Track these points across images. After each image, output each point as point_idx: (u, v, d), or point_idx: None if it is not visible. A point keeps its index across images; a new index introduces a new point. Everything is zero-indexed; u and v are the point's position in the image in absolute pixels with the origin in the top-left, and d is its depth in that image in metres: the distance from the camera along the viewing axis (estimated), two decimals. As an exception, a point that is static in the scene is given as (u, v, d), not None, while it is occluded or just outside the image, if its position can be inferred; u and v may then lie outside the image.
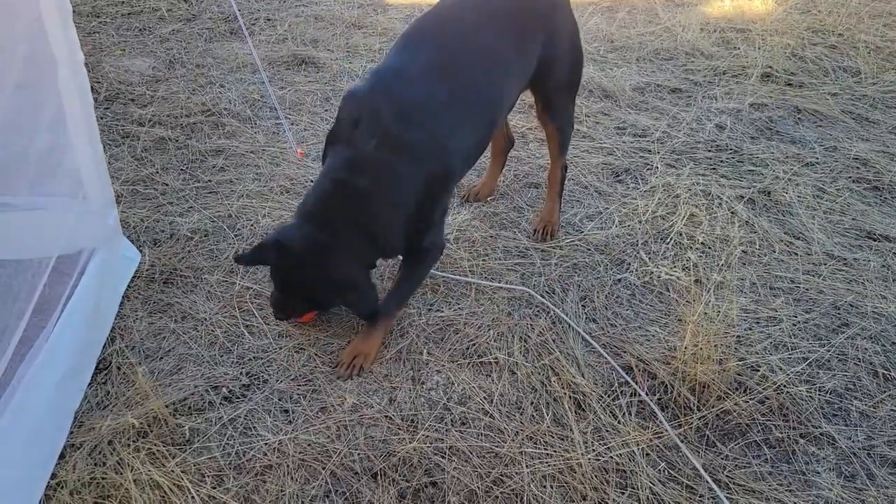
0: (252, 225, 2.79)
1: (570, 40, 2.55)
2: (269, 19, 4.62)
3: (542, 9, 2.45)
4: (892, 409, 2.07)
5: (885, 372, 2.19)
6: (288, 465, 1.89)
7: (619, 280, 2.56)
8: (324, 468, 1.89)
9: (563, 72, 2.54)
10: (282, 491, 1.83)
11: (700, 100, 3.80)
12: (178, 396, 2.06)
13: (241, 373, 2.17)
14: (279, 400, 2.09)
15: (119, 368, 2.15)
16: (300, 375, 2.17)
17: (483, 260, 2.65)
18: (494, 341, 2.29)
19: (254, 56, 3.86)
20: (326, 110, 3.64)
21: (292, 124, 3.51)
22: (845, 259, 2.65)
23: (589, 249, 2.70)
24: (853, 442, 1.98)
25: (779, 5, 4.71)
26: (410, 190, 2.14)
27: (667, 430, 1.98)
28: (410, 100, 2.13)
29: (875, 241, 2.76)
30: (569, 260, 2.65)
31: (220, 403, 2.07)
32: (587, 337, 2.29)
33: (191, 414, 2.02)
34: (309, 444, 1.95)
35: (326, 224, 2.13)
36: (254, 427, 2.00)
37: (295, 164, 3.19)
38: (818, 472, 1.90)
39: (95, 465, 1.85)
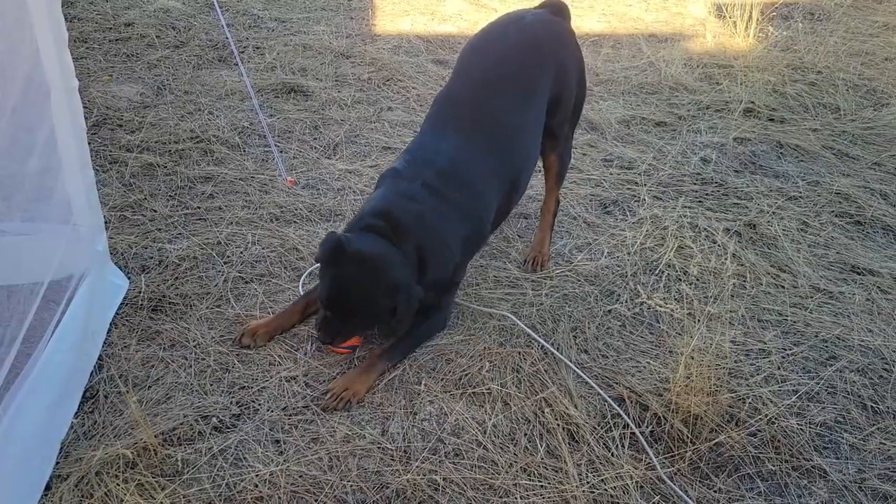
0: (242, 252, 2.77)
1: (577, 75, 2.61)
2: (257, 47, 4.64)
3: (553, 50, 2.50)
4: (881, 442, 2.09)
5: (874, 405, 2.21)
6: (279, 498, 1.86)
7: (610, 311, 2.57)
8: (316, 500, 1.86)
9: (569, 106, 2.59)
10: (273, 524, 1.80)
11: (685, 133, 3.86)
12: (167, 426, 2.02)
13: (231, 402, 2.14)
14: (270, 430, 2.06)
15: (106, 397, 2.11)
16: (291, 405, 2.15)
17: (474, 289, 2.65)
18: (487, 371, 2.28)
19: (245, 82, 3.87)
20: (315, 138, 3.65)
21: (281, 152, 3.51)
22: (831, 292, 2.69)
23: (579, 280, 2.72)
24: (844, 475, 1.99)
25: (759, 42, 4.82)
26: (456, 238, 2.28)
27: (656, 467, 1.98)
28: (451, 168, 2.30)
29: (859, 274, 2.81)
30: (559, 290, 2.66)
31: (211, 433, 2.03)
32: (576, 369, 2.30)
33: (181, 444, 1.99)
34: (301, 476, 1.93)
35: (387, 235, 2.20)
36: (244, 458, 1.97)
37: (284, 191, 3.18)
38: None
39: (83, 496, 1.81)
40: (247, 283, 2.64)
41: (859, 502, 1.92)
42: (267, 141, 3.52)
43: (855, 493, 1.94)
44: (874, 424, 2.15)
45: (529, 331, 2.43)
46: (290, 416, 2.12)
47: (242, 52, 4.55)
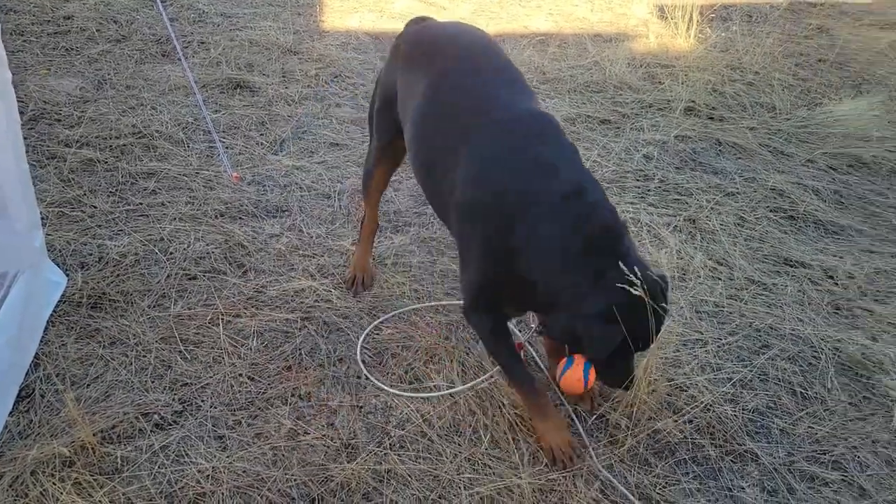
0: (185, 248, 2.74)
1: None
2: (202, 42, 4.57)
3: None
4: (809, 426, 2.18)
5: (803, 391, 2.30)
6: (222, 493, 1.85)
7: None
8: (259, 495, 1.86)
9: None
10: (216, 519, 1.79)
11: (628, 131, 3.94)
12: (106, 424, 1.99)
13: (173, 399, 2.11)
14: (213, 426, 2.05)
15: (43, 396, 2.07)
16: (235, 401, 2.13)
17: (420, 284, 2.67)
18: (433, 364, 2.30)
19: (188, 78, 3.81)
20: (262, 134, 3.62)
21: (227, 148, 3.47)
22: (765, 284, 2.79)
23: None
24: (774, 458, 2.07)
25: (700, 43, 4.95)
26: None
27: (591, 458, 2.02)
28: None
29: (792, 266, 2.91)
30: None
31: (152, 431, 2.01)
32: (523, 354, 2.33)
33: (120, 442, 1.96)
34: (244, 471, 1.92)
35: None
36: (186, 454, 1.95)
37: (230, 187, 3.15)
38: (743, 488, 1.98)
39: (17, 496, 1.77)
40: (191, 279, 2.61)
41: (788, 484, 2.00)
42: (212, 137, 3.48)
43: (784, 474, 2.02)
44: (803, 409, 2.23)
45: (515, 330, 2.45)
46: (234, 411, 2.10)
47: (187, 48, 4.47)
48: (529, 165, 1.91)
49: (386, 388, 2.20)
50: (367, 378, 2.24)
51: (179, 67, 4.10)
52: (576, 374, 2.00)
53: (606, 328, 1.81)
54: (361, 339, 2.38)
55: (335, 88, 4.19)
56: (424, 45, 2.27)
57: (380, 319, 2.48)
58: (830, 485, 2.00)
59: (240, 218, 2.98)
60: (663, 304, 1.88)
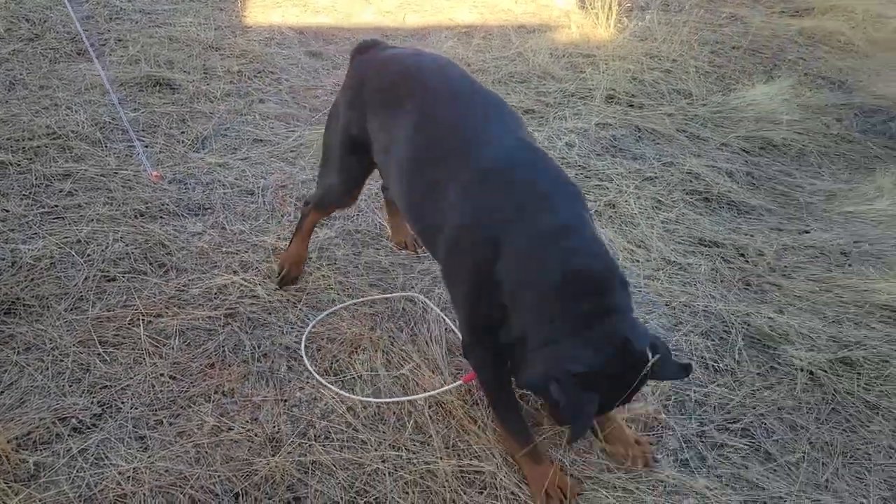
0: (103, 250, 2.69)
1: None
2: (119, 40, 4.46)
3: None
4: (720, 397, 2.28)
5: (714, 364, 2.40)
6: (144, 494, 1.84)
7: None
8: (182, 493, 1.85)
9: None
10: (137, 520, 1.77)
11: (552, 120, 4.02)
12: (21, 431, 1.96)
13: (91, 402, 2.08)
14: (134, 427, 2.03)
15: (-47, 406, 2.01)
16: (157, 401, 2.11)
17: (346, 277, 2.68)
18: (358, 355, 2.32)
19: (101, 75, 3.72)
20: (183, 132, 3.57)
21: (146, 147, 3.41)
22: (680, 264, 2.89)
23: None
24: (687, 429, 2.16)
25: (619, 33, 5.06)
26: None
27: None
28: None
29: (706, 246, 3.03)
30: (429, 273, 2.73)
31: (69, 435, 1.98)
32: (449, 320, 2.38)
33: (36, 448, 1.93)
34: (166, 471, 1.91)
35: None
36: (106, 457, 1.93)
37: (150, 187, 3.10)
38: (657, 460, 2.06)
39: (-74, 509, 1.72)
40: (109, 280, 2.57)
41: (699, 452, 2.09)
42: (130, 136, 3.41)
43: (696, 444, 2.11)
44: (714, 381, 2.34)
45: (439, 310, 2.51)
46: (156, 411, 2.09)
47: (104, 45, 4.36)
48: (516, 200, 1.82)
49: (333, 388, 2.21)
50: (320, 382, 2.22)
51: (95, 66, 4.00)
52: None
53: (581, 395, 1.61)
54: (305, 335, 2.39)
55: (258, 84, 4.15)
56: (397, 83, 2.14)
57: (324, 313, 2.49)
58: (739, 451, 2.10)
59: (160, 217, 2.93)
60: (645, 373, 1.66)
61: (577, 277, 1.70)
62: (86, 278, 2.54)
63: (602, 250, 1.78)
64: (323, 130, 2.43)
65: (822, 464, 2.06)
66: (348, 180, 2.39)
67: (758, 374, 2.37)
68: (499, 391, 1.99)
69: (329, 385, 2.20)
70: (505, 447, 2.03)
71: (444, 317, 2.50)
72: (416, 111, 2.03)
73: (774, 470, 2.04)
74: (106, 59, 4.15)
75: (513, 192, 1.84)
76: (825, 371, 2.35)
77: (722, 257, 2.96)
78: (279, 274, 2.60)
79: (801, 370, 2.36)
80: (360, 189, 2.45)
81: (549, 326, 1.70)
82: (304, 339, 2.36)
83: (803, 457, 2.08)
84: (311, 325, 2.42)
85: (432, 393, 2.17)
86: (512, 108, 2.13)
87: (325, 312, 2.49)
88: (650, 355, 1.65)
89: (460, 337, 2.07)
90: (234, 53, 4.45)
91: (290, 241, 2.64)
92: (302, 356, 2.31)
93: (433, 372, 2.28)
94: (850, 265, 2.94)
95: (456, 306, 2.00)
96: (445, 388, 2.18)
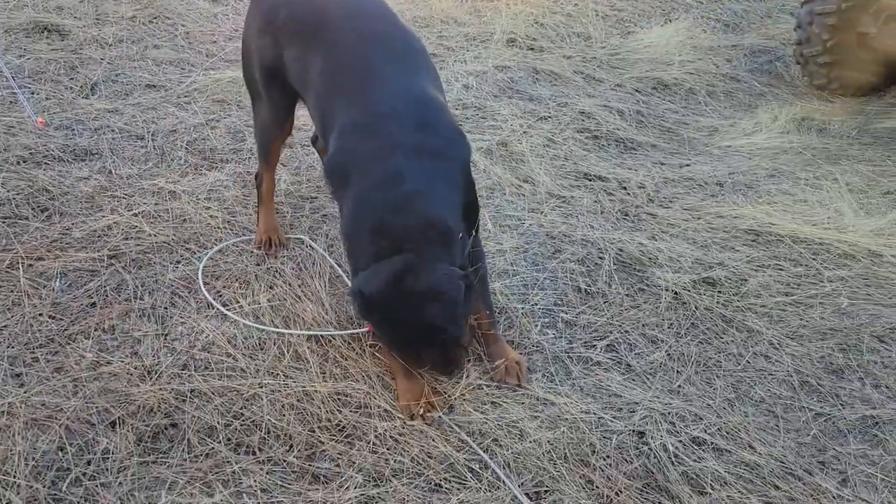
0: (-18, 196, 2.64)
1: None
2: (6, -15, 4.28)
3: None
4: (589, 318, 2.41)
5: (587, 287, 2.54)
6: (18, 426, 1.86)
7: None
8: (58, 424, 1.89)
9: None
10: (10, 451, 1.80)
11: (452, 63, 4.06)
12: None
13: (-35, 343, 2.08)
14: (10, 365, 2.04)
15: None
16: (34, 339, 2.13)
17: (233, 216, 2.70)
18: (241, 289, 2.37)
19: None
20: (72, 79, 3.49)
21: (32, 94, 3.32)
22: (564, 197, 3.01)
23: (338, 201, 2.85)
24: (556, 347, 2.29)
25: (525, -23, 5.11)
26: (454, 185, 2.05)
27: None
28: None
29: (590, 180, 3.15)
30: (319, 211, 2.78)
31: (-59, 375, 1.98)
32: (335, 266, 2.44)
33: None
34: (42, 404, 1.94)
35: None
36: (-21, 394, 1.94)
37: (34, 133, 3.04)
38: (531, 371, 2.18)
39: None
40: (-12, 226, 2.54)
41: (566, 367, 2.22)
42: (10, 82, 3.32)
43: (564, 360, 2.25)
44: (585, 303, 2.47)
45: (321, 248, 2.56)
46: (33, 350, 2.10)
47: (-13, -10, 4.18)
48: (376, 144, 1.95)
49: (233, 315, 2.26)
50: (221, 310, 2.28)
51: (-23, 11, 3.85)
52: None
53: (359, 307, 1.92)
54: (201, 266, 2.43)
55: (153, 30, 4.06)
56: (310, 14, 2.22)
57: (218, 246, 2.54)
58: (602, 364, 2.24)
59: (45, 163, 2.89)
60: (436, 315, 1.87)
61: (388, 230, 1.88)
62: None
63: (435, 202, 1.92)
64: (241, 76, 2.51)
65: (677, 372, 2.23)
66: (277, 109, 2.42)
67: (626, 295, 2.51)
68: None
69: (228, 312, 2.25)
70: (385, 361, 2.14)
71: (326, 255, 2.56)
72: (325, 48, 2.11)
73: (633, 379, 2.19)
74: (-11, 5, 3.99)
75: (376, 139, 1.96)
76: (688, 290, 2.52)
77: (605, 190, 3.09)
78: (267, 244, 2.58)
79: (667, 290, 2.51)
80: (290, 119, 2.49)
81: (360, 255, 1.93)
82: (200, 270, 2.40)
83: (660, 366, 2.23)
84: (204, 259, 2.46)
85: (355, 332, 2.24)
86: (422, 51, 2.21)
87: (217, 248, 2.53)
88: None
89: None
90: (128, -1, 4.33)
91: (257, 215, 2.63)
92: (200, 287, 2.34)
93: (315, 304, 2.34)
94: (723, 195, 3.11)
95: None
96: (358, 330, 2.24)
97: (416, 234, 1.87)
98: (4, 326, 2.16)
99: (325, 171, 2.10)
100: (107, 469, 1.80)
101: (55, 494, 1.74)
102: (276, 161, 2.63)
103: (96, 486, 1.77)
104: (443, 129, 2.05)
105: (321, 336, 2.22)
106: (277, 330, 2.23)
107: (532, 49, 4.32)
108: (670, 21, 4.82)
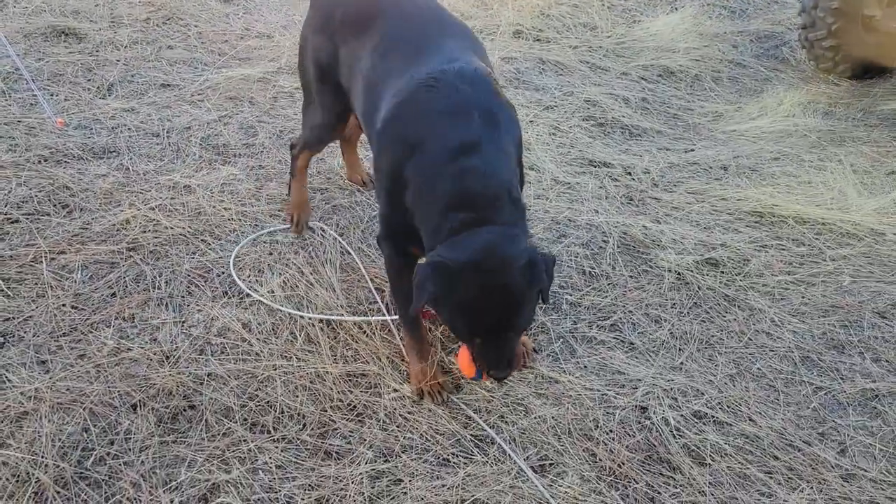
0: (6, 194, 2.74)
1: None
2: (23, -9, 4.40)
3: None
4: (593, 299, 2.47)
5: (591, 270, 2.59)
6: (44, 410, 1.96)
7: (375, 217, 2.80)
8: (82, 408, 1.98)
9: None
10: (38, 433, 1.90)
11: (459, 56, 4.11)
12: (-78, 360, 2.05)
13: (-7, 333, 2.18)
14: (36, 353, 2.13)
15: None
16: (58, 329, 2.22)
17: (247, 208, 2.78)
18: (254, 277, 2.45)
19: None
20: (89, 80, 3.58)
21: (52, 95, 3.42)
22: (569, 183, 3.07)
23: (346, 190, 2.92)
24: (561, 328, 2.35)
25: (531, -30, 5.16)
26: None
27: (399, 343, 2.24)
28: None
29: (595, 167, 3.20)
30: (330, 202, 2.86)
31: (-29, 362, 2.08)
32: (349, 248, 2.51)
33: (-63, 374, 2.02)
34: (67, 389, 2.03)
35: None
36: (7, 380, 2.03)
37: (54, 133, 3.14)
38: (537, 351, 2.24)
39: None
40: (12, 223, 2.63)
41: (570, 346, 2.28)
42: (30, 85, 3.42)
43: (568, 339, 2.31)
44: (589, 285, 2.53)
45: (333, 232, 2.63)
46: (57, 338, 2.19)
47: (6, -3, 4.30)
48: (437, 116, 1.89)
49: (266, 301, 2.34)
50: (255, 297, 2.36)
51: (-3, 17, 3.97)
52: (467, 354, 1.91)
53: (422, 278, 1.77)
54: (233, 255, 2.52)
55: (167, 31, 4.15)
56: (364, 11, 2.24)
57: (250, 237, 2.62)
58: (605, 343, 2.30)
59: (65, 161, 2.98)
60: (521, 284, 1.75)
61: (463, 196, 1.80)
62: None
63: (495, 170, 1.84)
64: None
65: (679, 350, 2.28)
66: (330, 115, 2.45)
67: (630, 276, 2.57)
68: (399, 285, 2.07)
69: (261, 298, 2.33)
70: (399, 344, 2.20)
71: (340, 240, 2.63)
72: (379, 33, 2.14)
73: (636, 357, 2.25)
74: (9, 11, 4.10)
75: (448, 95, 1.89)
76: (691, 271, 2.56)
77: (610, 176, 3.14)
78: (292, 222, 2.68)
79: (670, 271, 2.56)
80: (344, 124, 2.53)
81: (434, 236, 1.84)
82: (231, 259, 2.49)
83: (662, 344, 2.29)
84: (238, 247, 2.56)
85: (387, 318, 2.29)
86: (475, 38, 2.23)
87: (265, 230, 2.62)
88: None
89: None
90: (142, 1, 4.42)
91: (289, 188, 2.70)
92: (231, 273, 2.43)
93: (327, 290, 2.42)
94: (727, 178, 3.15)
95: (378, 200, 2.11)
96: (389, 317, 2.30)
97: (498, 206, 1.81)
98: (30, 317, 2.25)
99: (379, 132, 2.01)
100: (129, 449, 1.89)
101: (81, 473, 1.83)
102: (319, 152, 2.74)
103: (119, 464, 1.85)
104: (505, 102, 2.01)
105: (336, 321, 2.29)
106: (310, 315, 2.29)
107: (538, 40, 4.36)
108: (676, 9, 4.85)
